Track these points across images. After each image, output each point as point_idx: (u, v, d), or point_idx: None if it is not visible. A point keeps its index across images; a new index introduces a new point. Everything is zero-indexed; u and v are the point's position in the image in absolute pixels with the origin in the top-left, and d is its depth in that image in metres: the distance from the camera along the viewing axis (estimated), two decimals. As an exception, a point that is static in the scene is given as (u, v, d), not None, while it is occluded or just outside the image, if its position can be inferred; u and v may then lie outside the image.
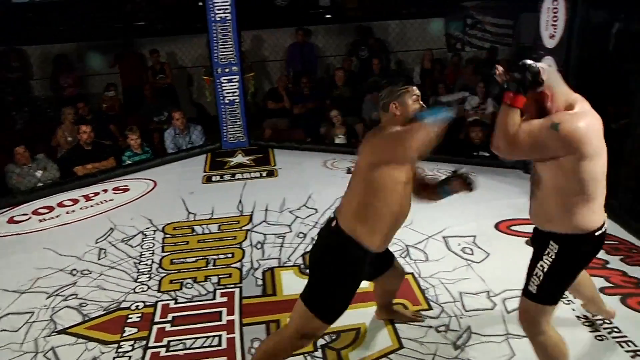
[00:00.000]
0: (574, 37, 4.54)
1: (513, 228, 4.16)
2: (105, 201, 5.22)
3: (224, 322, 3.25)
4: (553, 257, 2.27)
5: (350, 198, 2.43)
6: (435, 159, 5.15)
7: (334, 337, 3.00)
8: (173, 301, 3.49)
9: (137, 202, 5.19)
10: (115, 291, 3.63)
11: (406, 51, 8.56)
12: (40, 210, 5.09)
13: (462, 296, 3.36)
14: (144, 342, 3.10)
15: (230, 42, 6.31)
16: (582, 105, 2.19)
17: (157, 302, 3.49)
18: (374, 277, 2.81)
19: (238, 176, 5.75)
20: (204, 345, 3.05)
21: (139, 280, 3.76)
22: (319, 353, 2.91)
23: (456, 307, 3.26)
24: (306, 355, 2.88)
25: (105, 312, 3.41)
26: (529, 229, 3.92)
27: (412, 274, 3.63)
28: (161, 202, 5.12)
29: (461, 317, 3.16)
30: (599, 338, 2.92)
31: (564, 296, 2.96)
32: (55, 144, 6.43)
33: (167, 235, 4.40)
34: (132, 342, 3.11)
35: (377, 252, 2.50)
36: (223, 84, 6.47)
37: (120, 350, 3.05)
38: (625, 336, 2.91)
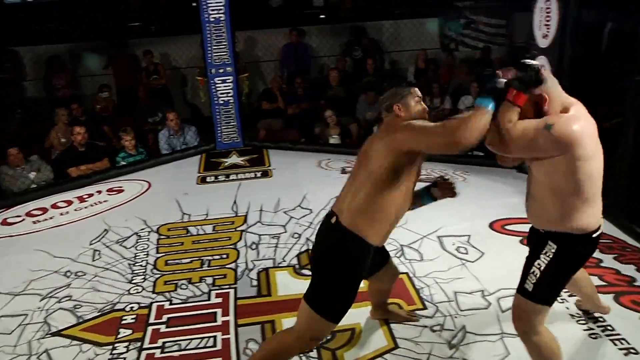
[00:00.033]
0: (567, 37, 4.56)
1: (507, 227, 4.17)
2: (100, 202, 5.20)
3: (219, 322, 3.24)
4: (551, 256, 2.29)
5: (354, 193, 2.41)
6: (430, 159, 5.15)
7: (329, 337, 2.99)
8: (168, 302, 3.49)
9: (131, 203, 5.17)
10: (109, 293, 3.62)
11: (400, 51, 8.57)
12: (34, 212, 5.08)
13: (456, 295, 3.37)
14: (138, 344, 3.09)
15: (224, 43, 6.31)
16: (578, 108, 2.20)
17: (151, 303, 3.48)
18: (370, 275, 2.81)
19: (232, 177, 5.74)
20: (199, 346, 3.05)
21: (133, 281, 3.75)
22: (314, 353, 2.91)
23: (451, 307, 3.26)
24: (301, 355, 2.88)
25: (99, 313, 3.40)
26: (524, 228, 3.95)
27: (406, 273, 3.63)
28: (156, 203, 5.11)
29: (456, 317, 3.17)
30: (593, 336, 2.93)
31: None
32: (49, 145, 6.41)
33: (162, 236, 4.39)
34: (126, 344, 3.10)
35: (378, 247, 2.51)
36: (217, 85, 6.46)
37: (115, 351, 3.04)
38: (618, 334, 2.92)
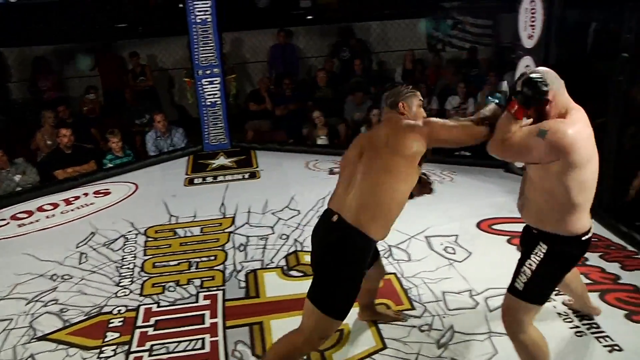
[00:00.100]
0: (551, 37, 4.61)
1: (494, 227, 4.19)
2: (86, 205, 5.17)
3: (207, 325, 3.23)
4: (542, 256, 2.31)
5: (357, 189, 2.41)
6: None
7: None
8: (155, 305, 3.47)
9: (118, 205, 5.14)
10: (96, 296, 3.59)
11: (387, 52, 8.59)
12: (19, 215, 5.03)
13: (444, 295, 3.38)
14: (126, 347, 3.07)
15: (211, 44, 6.29)
16: (577, 113, 2.23)
17: (139, 306, 3.46)
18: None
19: (220, 178, 5.73)
20: (187, 348, 3.03)
21: (120, 284, 3.72)
22: (302, 354, 2.91)
23: (439, 307, 3.28)
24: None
25: (86, 317, 3.37)
26: (511, 227, 4.00)
27: (394, 274, 3.64)
28: (143, 205, 5.09)
29: (444, 316, 3.18)
30: (579, 334, 2.96)
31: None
32: (35, 148, 6.35)
33: (149, 239, 4.37)
34: (114, 347, 3.08)
35: (379, 241, 2.53)
36: (204, 86, 6.45)
37: (102, 355, 3.02)
38: (603, 331, 2.95)
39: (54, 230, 4.69)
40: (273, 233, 4.33)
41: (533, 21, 4.71)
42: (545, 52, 4.63)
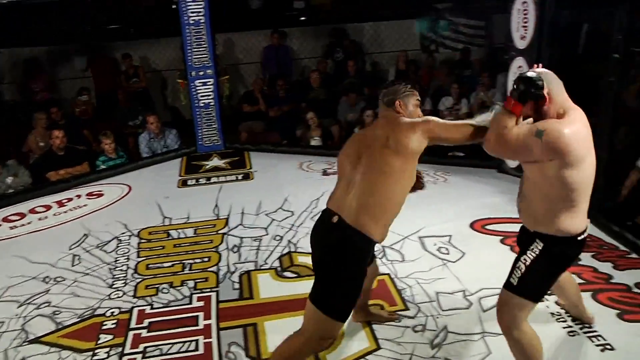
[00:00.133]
0: (544, 38, 4.63)
1: (488, 227, 4.20)
2: (79, 207, 5.15)
3: (200, 326, 3.22)
4: (537, 252, 2.33)
5: (357, 190, 2.40)
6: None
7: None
8: (149, 307, 3.46)
9: (111, 207, 5.13)
10: (89, 298, 3.58)
11: (381, 53, 8.60)
12: (11, 217, 5.00)
13: (438, 296, 3.39)
14: (119, 349, 3.06)
15: (205, 45, 6.29)
16: (575, 113, 2.24)
17: (132, 307, 3.45)
18: None
19: (214, 179, 5.72)
20: (181, 350, 3.02)
21: (114, 286, 3.71)
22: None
23: (433, 307, 3.28)
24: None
25: (79, 319, 3.36)
26: (504, 227, 4.01)
27: (388, 274, 3.65)
28: (136, 206, 5.07)
29: (438, 317, 3.19)
30: (571, 333, 2.97)
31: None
32: (27, 150, 6.32)
33: (143, 240, 4.36)
34: (107, 349, 3.06)
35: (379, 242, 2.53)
36: (198, 87, 6.44)
37: (95, 357, 3.00)
38: (595, 331, 2.97)
39: (46, 233, 4.67)
40: (267, 234, 4.33)
41: (525, 22, 4.73)
42: (538, 53, 4.65)
